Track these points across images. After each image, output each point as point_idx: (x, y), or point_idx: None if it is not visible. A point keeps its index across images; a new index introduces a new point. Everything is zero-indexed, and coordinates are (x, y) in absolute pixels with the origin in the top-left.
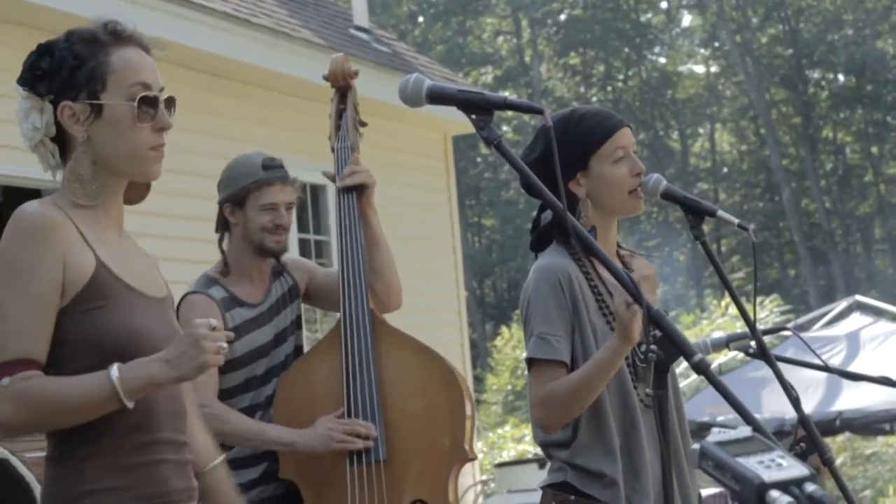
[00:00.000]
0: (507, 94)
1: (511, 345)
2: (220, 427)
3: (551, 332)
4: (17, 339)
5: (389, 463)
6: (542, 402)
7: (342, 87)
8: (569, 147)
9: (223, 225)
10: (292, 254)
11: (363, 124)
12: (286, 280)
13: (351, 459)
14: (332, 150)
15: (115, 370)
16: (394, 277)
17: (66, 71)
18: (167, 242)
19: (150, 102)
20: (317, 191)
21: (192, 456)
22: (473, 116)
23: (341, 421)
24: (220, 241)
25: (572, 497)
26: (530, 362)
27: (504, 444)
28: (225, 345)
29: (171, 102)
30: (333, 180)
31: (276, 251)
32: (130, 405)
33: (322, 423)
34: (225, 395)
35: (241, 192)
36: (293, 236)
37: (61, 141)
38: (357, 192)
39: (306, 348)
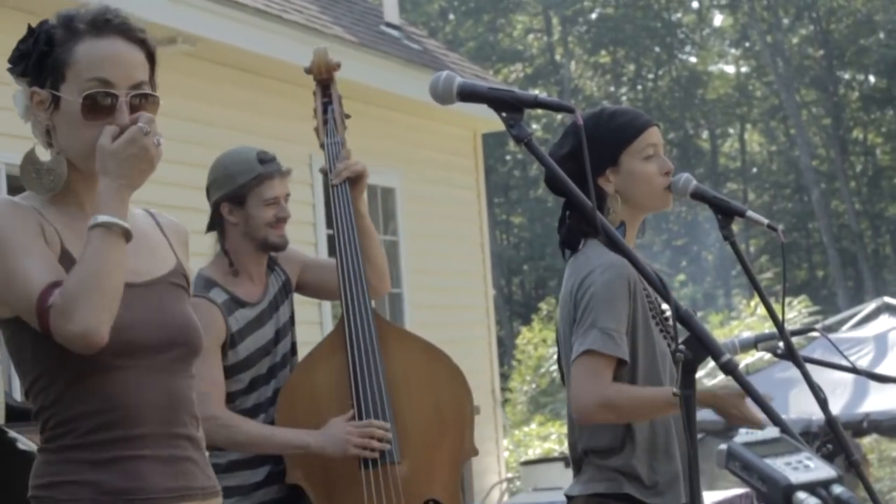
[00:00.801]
0: (538, 92)
1: (534, 343)
2: (233, 437)
3: (616, 329)
4: (39, 275)
5: (402, 464)
6: (603, 406)
7: (325, 79)
8: (600, 143)
9: (219, 224)
10: (322, 251)
11: (347, 117)
12: (279, 275)
13: (365, 463)
14: (322, 147)
15: (99, 217)
16: (385, 264)
17: (37, 55)
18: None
19: (98, 100)
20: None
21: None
22: (504, 114)
23: (357, 424)
24: (222, 241)
25: None
26: (586, 353)
27: (530, 441)
28: (162, 140)
29: (144, 99)
30: (327, 175)
31: (281, 245)
32: (127, 225)
33: (337, 424)
34: (228, 399)
35: (240, 190)
36: (322, 232)
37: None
38: (350, 183)
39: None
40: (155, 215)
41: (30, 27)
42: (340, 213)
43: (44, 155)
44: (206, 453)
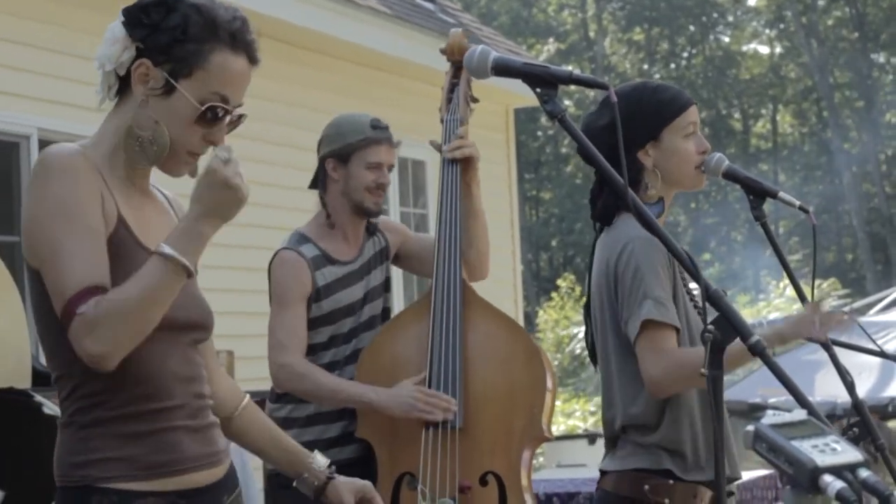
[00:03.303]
0: (572, 69)
1: (554, 320)
2: (301, 385)
3: (667, 298)
4: (81, 271)
5: (465, 432)
6: (674, 373)
7: (457, 61)
8: (643, 116)
9: (322, 180)
10: None
11: (475, 100)
12: (379, 240)
13: (428, 425)
14: (441, 122)
15: (165, 248)
16: (487, 248)
17: (168, 38)
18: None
19: (216, 115)
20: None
21: (218, 413)
22: (538, 90)
23: (426, 391)
24: (323, 196)
25: (671, 481)
26: (647, 324)
27: (554, 418)
28: (243, 170)
29: (238, 120)
30: (440, 150)
31: (374, 212)
32: (194, 269)
33: (405, 386)
34: (309, 351)
35: (347, 149)
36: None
37: (124, 83)
38: (461, 165)
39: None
40: (170, 199)
41: None
42: (447, 187)
43: (146, 128)
44: (288, 406)
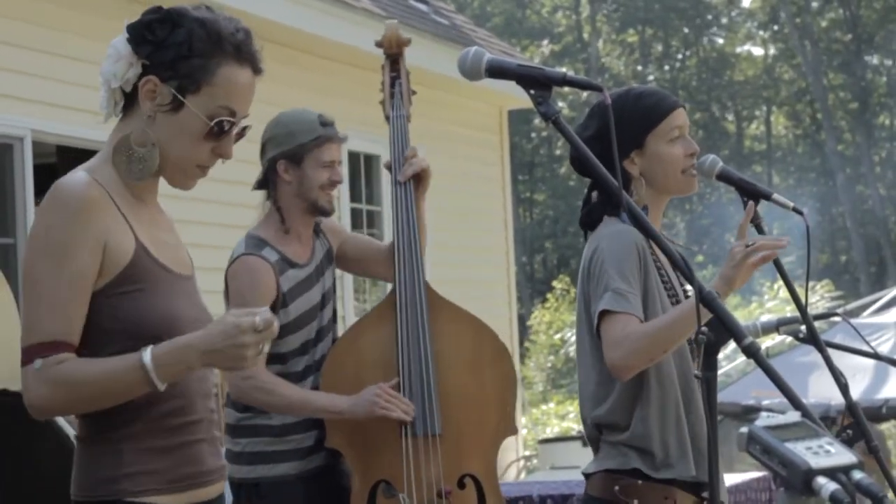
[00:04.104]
0: (566, 70)
1: (547, 322)
2: (266, 399)
3: (628, 290)
4: (51, 320)
5: (443, 437)
6: (620, 343)
7: (395, 54)
8: (626, 125)
9: (272, 182)
10: (344, 224)
11: (413, 93)
12: (324, 241)
13: (405, 432)
14: (387, 119)
15: (147, 356)
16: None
17: (173, 54)
18: (217, 206)
19: (223, 128)
20: (371, 161)
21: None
22: (532, 92)
23: (389, 390)
24: (275, 200)
25: (639, 482)
26: (603, 315)
27: (548, 420)
28: (267, 347)
29: (243, 131)
30: (390, 169)
31: (329, 209)
32: (163, 388)
33: (370, 389)
34: (281, 360)
35: (300, 150)
36: (345, 206)
37: (130, 98)
38: (414, 181)
39: (350, 317)
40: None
41: (169, 11)
42: (401, 194)
43: (141, 144)
44: (260, 415)
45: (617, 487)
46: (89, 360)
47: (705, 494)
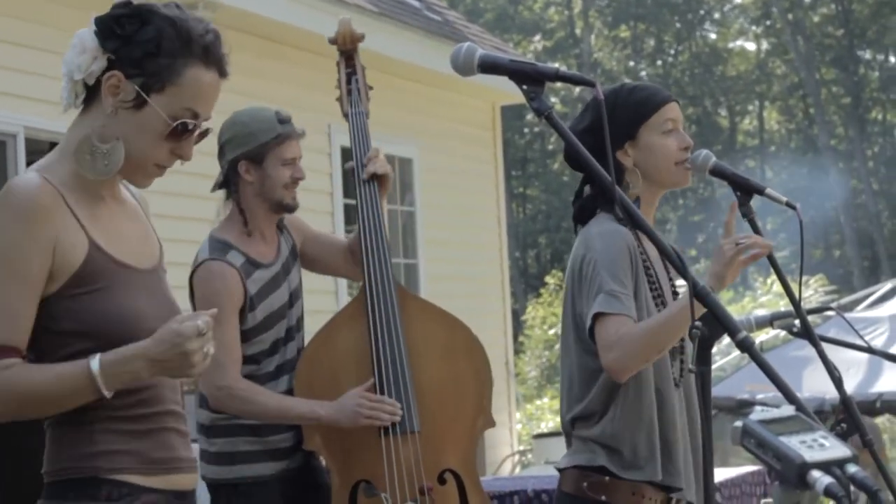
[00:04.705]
0: (559, 66)
1: (541, 317)
2: (245, 408)
3: (621, 291)
4: (0, 324)
5: (421, 434)
6: (616, 344)
7: (349, 50)
8: (619, 117)
9: (234, 183)
10: (338, 219)
11: (370, 88)
12: (289, 238)
13: (385, 431)
14: (345, 116)
15: (95, 363)
16: None
17: (141, 52)
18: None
19: (185, 129)
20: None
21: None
22: (525, 87)
23: (370, 396)
24: (238, 201)
25: (607, 478)
26: (597, 317)
27: (542, 415)
28: (212, 349)
29: (205, 133)
30: (352, 171)
31: (293, 206)
32: (109, 396)
33: (350, 396)
34: (253, 361)
35: (261, 149)
36: (339, 202)
37: (92, 91)
38: (377, 180)
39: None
40: (138, 198)
41: (139, 7)
42: (367, 192)
43: (105, 140)
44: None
45: (586, 484)
46: (36, 366)
47: (674, 495)
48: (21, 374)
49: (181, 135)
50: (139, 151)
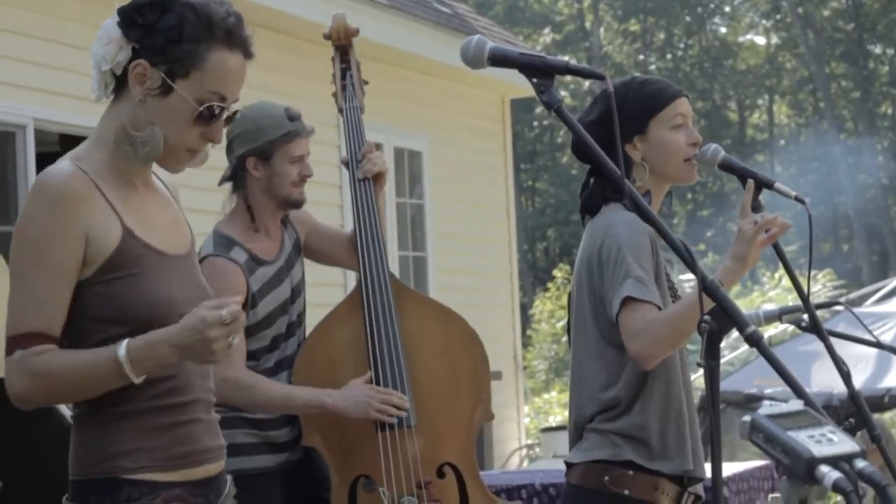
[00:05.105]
0: (568, 59)
1: (549, 311)
2: (250, 397)
3: (647, 278)
4: (32, 312)
5: (419, 427)
6: (643, 331)
7: (343, 45)
8: (629, 110)
9: (241, 179)
10: (346, 212)
11: (366, 83)
12: (292, 232)
13: (381, 426)
14: (340, 111)
15: (122, 349)
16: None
17: (163, 39)
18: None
19: (213, 113)
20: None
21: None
22: (535, 80)
23: (378, 389)
24: (245, 196)
25: (630, 472)
26: (626, 301)
27: (550, 409)
28: (237, 339)
29: (233, 116)
30: (347, 165)
31: (301, 202)
32: (138, 382)
33: (358, 386)
34: (252, 357)
35: (269, 146)
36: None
37: (121, 81)
38: (373, 178)
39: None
40: (169, 186)
41: None
42: (362, 187)
43: (141, 127)
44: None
45: (607, 478)
46: (68, 352)
47: (696, 490)
48: (52, 359)
49: (209, 118)
50: (170, 137)
